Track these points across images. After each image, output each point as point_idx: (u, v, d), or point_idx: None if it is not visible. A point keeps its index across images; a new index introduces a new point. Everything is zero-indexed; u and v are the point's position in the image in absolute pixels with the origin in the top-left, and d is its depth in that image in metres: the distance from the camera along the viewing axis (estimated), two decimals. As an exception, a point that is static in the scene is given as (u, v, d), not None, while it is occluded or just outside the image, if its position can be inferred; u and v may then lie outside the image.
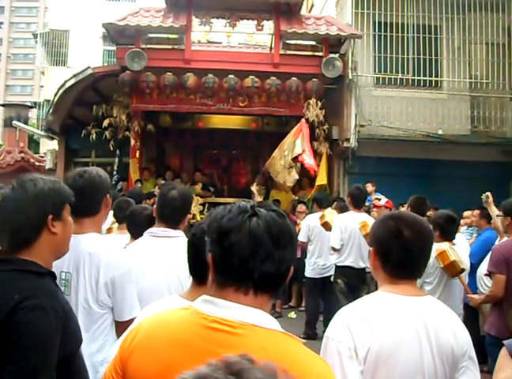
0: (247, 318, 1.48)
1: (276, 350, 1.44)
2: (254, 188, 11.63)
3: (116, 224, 5.83)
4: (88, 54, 20.49)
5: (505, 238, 5.68)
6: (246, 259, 1.49)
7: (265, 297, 1.54)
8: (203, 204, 12.08)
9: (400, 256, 2.29)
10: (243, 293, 1.51)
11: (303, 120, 11.00)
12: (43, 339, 2.05)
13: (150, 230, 3.70)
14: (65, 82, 12.45)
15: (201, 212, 11.66)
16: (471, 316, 6.07)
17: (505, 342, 2.11)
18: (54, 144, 17.00)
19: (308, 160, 10.37)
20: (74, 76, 12.33)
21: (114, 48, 13.89)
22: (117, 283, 2.97)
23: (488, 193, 6.43)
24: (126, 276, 3.02)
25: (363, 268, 7.59)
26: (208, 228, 1.62)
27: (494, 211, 6.28)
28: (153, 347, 1.52)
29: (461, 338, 2.30)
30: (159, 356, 1.50)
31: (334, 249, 7.77)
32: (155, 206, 3.77)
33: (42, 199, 2.26)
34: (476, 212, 7.61)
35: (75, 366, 2.28)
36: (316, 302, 9.11)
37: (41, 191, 2.28)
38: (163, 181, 12.24)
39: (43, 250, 2.27)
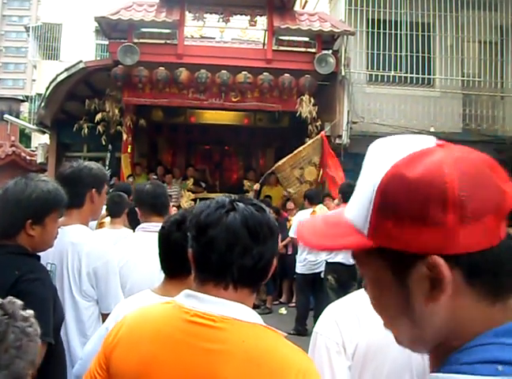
0: (228, 312, 1.49)
1: (256, 344, 1.46)
2: (255, 186, 11.61)
3: (108, 218, 5.79)
4: (81, 48, 20.37)
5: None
6: (223, 253, 1.50)
7: (245, 291, 1.55)
8: (194, 200, 12.07)
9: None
10: (223, 287, 1.52)
11: (322, 134, 11.04)
12: (45, 305, 2.32)
13: (142, 225, 3.72)
14: (57, 76, 12.38)
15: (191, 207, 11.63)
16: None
17: None
18: (45, 139, 16.93)
19: (335, 174, 10.40)
20: (66, 70, 12.27)
21: (106, 42, 13.82)
22: (100, 273, 2.99)
23: None
24: (110, 267, 3.04)
25: (354, 265, 7.56)
26: (189, 224, 1.62)
27: None
28: (136, 341, 1.53)
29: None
30: (141, 350, 1.50)
31: (325, 246, 7.76)
32: None
33: (24, 205, 2.49)
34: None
35: (60, 339, 2.56)
36: (306, 298, 9.13)
37: (26, 197, 2.50)
38: (154, 177, 12.21)
39: (23, 242, 2.51)
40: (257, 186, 11.61)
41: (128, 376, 1.51)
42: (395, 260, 0.85)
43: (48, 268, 2.93)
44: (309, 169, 10.81)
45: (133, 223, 4.65)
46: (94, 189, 3.16)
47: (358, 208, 0.89)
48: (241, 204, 1.55)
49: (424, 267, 0.82)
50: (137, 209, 3.88)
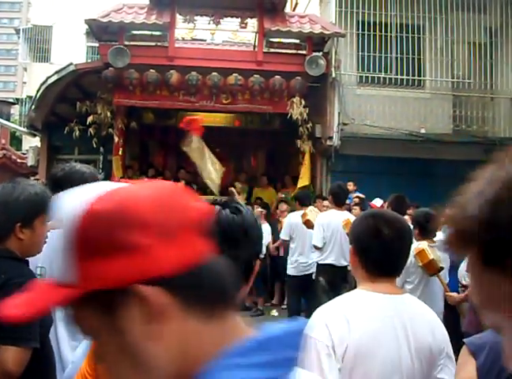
0: None
1: None
2: (233, 188, 11.53)
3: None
4: (72, 51, 20.32)
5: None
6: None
7: None
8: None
9: (380, 254, 2.31)
10: None
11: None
12: None
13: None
14: (48, 78, 12.37)
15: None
16: (452, 314, 6.11)
17: (465, 340, 2.13)
18: (36, 141, 16.87)
19: None
20: (57, 72, 12.26)
21: (97, 45, 13.80)
22: None
23: None
24: None
25: (345, 266, 7.61)
26: None
27: None
28: None
29: (438, 336, 2.32)
30: None
31: (317, 248, 7.78)
32: None
33: (12, 208, 2.49)
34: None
35: (48, 344, 2.53)
36: (298, 299, 9.13)
37: (14, 200, 2.49)
38: (146, 179, 12.19)
39: (12, 247, 2.51)
40: (238, 188, 11.57)
41: None
42: (105, 304, 0.80)
43: (38, 272, 2.92)
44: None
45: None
46: None
47: (58, 263, 0.84)
48: (217, 207, 1.56)
49: (132, 300, 0.78)
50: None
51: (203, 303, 0.82)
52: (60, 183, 3.01)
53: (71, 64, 12.14)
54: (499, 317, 0.74)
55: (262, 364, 0.79)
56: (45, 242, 2.72)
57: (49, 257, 2.96)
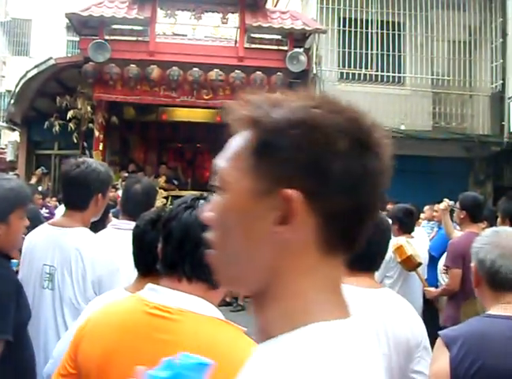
0: (185, 305, 1.54)
1: (208, 336, 1.50)
2: None
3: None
4: (52, 45, 20.16)
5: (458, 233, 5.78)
6: (176, 247, 1.58)
7: (201, 285, 1.59)
8: (166, 197, 12.04)
9: (358, 249, 2.33)
10: (177, 280, 1.59)
11: None
12: (3, 301, 2.29)
13: (113, 222, 3.70)
14: (27, 72, 12.26)
15: (165, 205, 11.62)
16: (431, 309, 6.17)
17: (440, 332, 2.17)
18: (15, 136, 16.73)
19: None
20: (36, 66, 12.15)
21: (78, 39, 13.71)
22: (104, 282, 2.88)
23: (447, 203, 6.32)
24: (114, 276, 2.92)
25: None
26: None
27: (447, 220, 6.21)
28: (100, 333, 1.60)
29: (416, 329, 2.36)
30: (104, 341, 1.57)
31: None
32: (119, 199, 3.77)
33: None
34: (438, 206, 7.70)
35: (27, 335, 2.50)
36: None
37: None
38: (126, 174, 12.15)
39: None
40: None
41: (93, 367, 1.56)
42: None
43: (46, 271, 2.88)
44: None
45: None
46: (100, 194, 3.05)
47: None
48: (202, 201, 1.62)
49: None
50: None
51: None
52: (73, 182, 2.96)
53: (51, 58, 12.04)
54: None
55: None
56: (23, 238, 2.69)
57: (63, 257, 2.89)
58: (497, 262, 2.16)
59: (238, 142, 0.90)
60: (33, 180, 11.26)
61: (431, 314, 5.55)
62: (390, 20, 12.43)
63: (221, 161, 0.92)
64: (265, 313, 0.86)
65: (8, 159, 15.98)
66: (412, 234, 5.75)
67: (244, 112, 0.90)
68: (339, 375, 0.75)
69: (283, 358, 0.77)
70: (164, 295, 1.56)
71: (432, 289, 5.64)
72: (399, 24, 12.60)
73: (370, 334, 0.92)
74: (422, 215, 8.37)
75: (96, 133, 12.26)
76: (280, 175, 0.82)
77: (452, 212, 6.21)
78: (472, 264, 2.31)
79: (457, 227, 6.03)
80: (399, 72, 12.61)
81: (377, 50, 12.44)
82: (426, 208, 8.61)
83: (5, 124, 15.89)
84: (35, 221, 3.66)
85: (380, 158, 0.87)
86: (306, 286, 0.84)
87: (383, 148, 0.89)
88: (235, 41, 12.57)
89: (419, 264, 5.34)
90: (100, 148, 12.37)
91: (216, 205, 0.90)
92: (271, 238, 0.82)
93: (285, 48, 11.81)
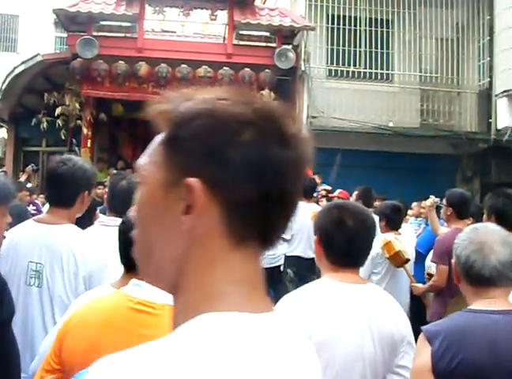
0: (170, 300, 1.54)
1: None
2: None
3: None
4: (40, 41, 20.00)
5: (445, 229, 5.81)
6: None
7: None
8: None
9: (343, 244, 2.36)
10: None
11: None
12: None
13: (100, 219, 3.70)
14: (15, 69, 12.17)
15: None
16: (418, 305, 6.21)
17: (423, 327, 2.20)
18: (3, 133, 16.62)
19: None
20: (23, 62, 12.05)
21: (66, 35, 13.62)
22: (94, 278, 2.89)
23: (433, 199, 6.35)
24: (103, 272, 2.93)
25: (312, 258, 7.60)
26: None
27: (434, 217, 6.24)
28: (84, 328, 1.60)
29: (400, 324, 2.38)
30: (88, 335, 1.58)
31: (284, 240, 7.83)
32: (105, 196, 3.76)
33: None
34: (424, 203, 7.74)
35: (11, 331, 2.43)
36: (266, 291, 9.16)
37: None
38: (114, 171, 12.11)
39: None
40: None
41: (76, 362, 1.57)
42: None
43: (33, 268, 2.87)
44: None
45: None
46: (86, 192, 3.07)
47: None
48: None
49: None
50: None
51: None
52: (60, 179, 2.95)
53: (38, 54, 11.96)
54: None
55: None
56: (4, 237, 2.67)
57: (52, 254, 2.88)
58: (471, 257, 2.20)
59: (157, 138, 0.93)
60: (23, 177, 11.19)
61: (418, 310, 5.59)
62: (379, 17, 12.48)
63: (142, 157, 0.93)
64: (174, 307, 0.87)
65: (-5, 155, 15.89)
66: (399, 230, 5.79)
67: (159, 108, 0.95)
68: (196, 369, 0.73)
69: (155, 350, 0.76)
70: (148, 290, 1.57)
71: (419, 285, 5.67)
72: (387, 21, 12.65)
73: (293, 336, 0.90)
74: (410, 212, 8.42)
75: (84, 130, 12.21)
76: (184, 165, 0.83)
77: (439, 208, 6.25)
78: (453, 261, 2.35)
79: (445, 224, 6.07)
80: (387, 69, 12.67)
81: (365, 47, 12.48)
82: (414, 204, 8.67)
83: (-8, 120, 15.77)
84: (22, 218, 3.65)
85: (291, 148, 0.86)
86: (211, 277, 0.83)
87: (296, 139, 0.87)
88: (224, 38, 12.55)
89: (408, 260, 5.38)
90: (88, 144, 12.32)
91: (136, 201, 0.90)
92: (178, 229, 0.83)
93: (274, 45, 11.81)
